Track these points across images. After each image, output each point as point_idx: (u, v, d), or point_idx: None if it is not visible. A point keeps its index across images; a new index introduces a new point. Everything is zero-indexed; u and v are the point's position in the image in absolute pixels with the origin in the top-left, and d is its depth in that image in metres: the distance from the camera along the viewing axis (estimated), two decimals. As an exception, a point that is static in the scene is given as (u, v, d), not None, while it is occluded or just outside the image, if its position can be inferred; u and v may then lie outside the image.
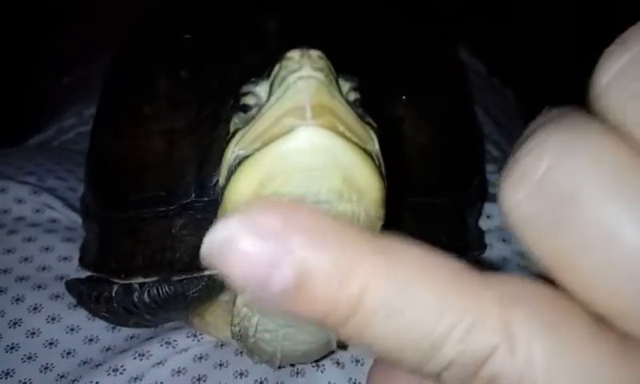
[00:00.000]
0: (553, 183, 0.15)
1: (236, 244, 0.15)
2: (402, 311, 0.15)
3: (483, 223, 0.47)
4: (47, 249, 0.45)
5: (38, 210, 0.48)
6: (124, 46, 0.46)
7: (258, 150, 0.20)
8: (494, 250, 0.45)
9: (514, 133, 0.74)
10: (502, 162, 0.63)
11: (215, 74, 0.38)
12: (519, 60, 1.02)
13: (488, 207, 0.48)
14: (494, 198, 0.51)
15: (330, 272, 0.15)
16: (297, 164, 0.19)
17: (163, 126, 0.37)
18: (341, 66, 0.38)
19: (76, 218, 0.48)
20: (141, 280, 0.35)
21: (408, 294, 0.15)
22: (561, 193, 0.15)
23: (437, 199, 0.38)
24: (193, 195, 0.35)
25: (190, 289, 0.35)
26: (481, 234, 0.44)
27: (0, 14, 0.97)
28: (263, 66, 0.37)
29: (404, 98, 0.38)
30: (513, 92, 0.83)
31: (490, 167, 0.58)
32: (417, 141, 0.38)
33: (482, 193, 0.47)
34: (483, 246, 0.42)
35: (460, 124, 0.44)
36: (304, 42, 0.38)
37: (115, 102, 0.42)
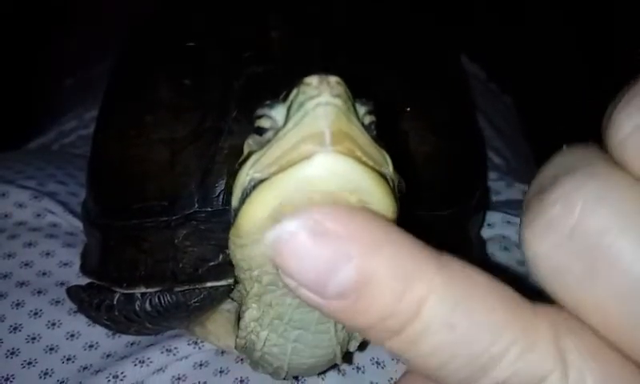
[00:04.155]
0: (585, 235, 0.15)
1: (298, 240, 0.15)
2: (458, 327, 0.16)
3: (484, 232, 0.47)
4: (48, 254, 0.45)
5: (38, 215, 0.48)
6: (126, 51, 0.46)
7: (274, 173, 0.20)
8: (496, 258, 0.45)
9: (513, 139, 0.74)
10: (503, 168, 0.63)
11: (218, 83, 0.38)
12: (518, 66, 1.02)
13: (489, 215, 0.48)
14: (495, 206, 0.51)
15: (390, 280, 0.15)
16: (315, 189, 0.19)
17: (166, 135, 0.37)
18: (347, 75, 0.38)
19: (77, 223, 0.48)
20: (143, 290, 0.35)
21: (465, 311, 0.16)
22: (592, 245, 0.15)
23: (440, 211, 0.38)
24: (196, 205, 0.35)
25: (192, 298, 0.35)
26: (482, 243, 0.44)
27: (0, 16, 0.97)
28: (266, 76, 0.37)
29: (408, 109, 0.38)
30: (512, 98, 0.84)
31: (491, 174, 0.59)
32: (421, 151, 0.38)
33: (484, 202, 0.47)
34: (485, 257, 0.42)
35: (463, 133, 0.44)
36: (310, 56, 0.38)
37: (118, 110, 0.42)
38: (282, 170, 0.20)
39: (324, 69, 0.20)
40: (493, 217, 0.48)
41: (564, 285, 0.16)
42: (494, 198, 0.55)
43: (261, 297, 0.26)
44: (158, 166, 0.37)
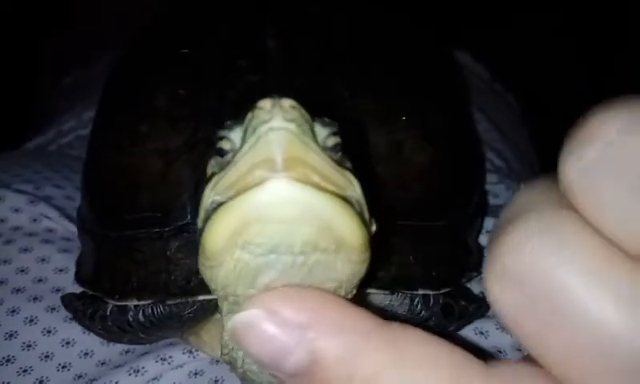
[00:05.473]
0: (536, 281, 0.15)
1: (257, 327, 0.17)
2: None
3: (483, 238, 0.47)
4: (43, 260, 0.45)
5: (34, 220, 0.48)
6: (123, 58, 0.46)
7: (232, 197, 0.20)
8: None
9: (516, 140, 0.73)
10: (504, 170, 0.62)
11: (212, 92, 0.37)
12: (522, 65, 1.01)
13: (488, 222, 0.48)
14: (493, 211, 0.50)
15: (340, 363, 0.16)
16: (269, 215, 0.19)
17: (160, 145, 0.37)
18: (340, 78, 0.38)
19: (73, 228, 0.47)
20: (135, 302, 0.35)
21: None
22: (545, 290, 0.15)
23: (436, 222, 0.37)
24: (189, 217, 0.35)
25: (185, 309, 0.35)
26: (480, 251, 0.43)
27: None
28: (261, 85, 0.36)
29: (404, 119, 0.37)
30: (515, 97, 0.83)
31: (490, 177, 0.58)
32: (416, 161, 0.37)
33: (482, 208, 0.47)
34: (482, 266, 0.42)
35: (461, 141, 0.43)
36: (307, 64, 0.37)
37: (112, 120, 0.42)
38: (237, 194, 0.20)
39: (281, 91, 0.20)
40: (491, 223, 0.47)
41: (523, 332, 0.16)
42: (493, 202, 0.54)
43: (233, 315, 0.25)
44: (151, 177, 0.36)
